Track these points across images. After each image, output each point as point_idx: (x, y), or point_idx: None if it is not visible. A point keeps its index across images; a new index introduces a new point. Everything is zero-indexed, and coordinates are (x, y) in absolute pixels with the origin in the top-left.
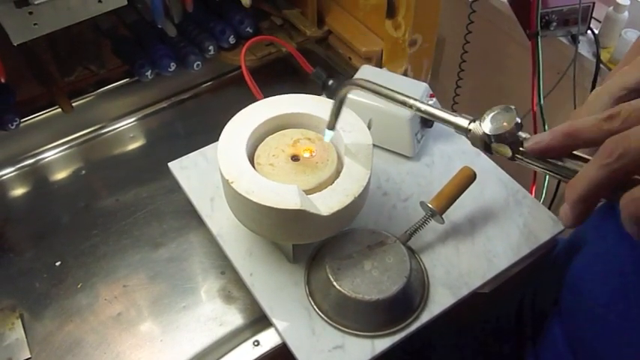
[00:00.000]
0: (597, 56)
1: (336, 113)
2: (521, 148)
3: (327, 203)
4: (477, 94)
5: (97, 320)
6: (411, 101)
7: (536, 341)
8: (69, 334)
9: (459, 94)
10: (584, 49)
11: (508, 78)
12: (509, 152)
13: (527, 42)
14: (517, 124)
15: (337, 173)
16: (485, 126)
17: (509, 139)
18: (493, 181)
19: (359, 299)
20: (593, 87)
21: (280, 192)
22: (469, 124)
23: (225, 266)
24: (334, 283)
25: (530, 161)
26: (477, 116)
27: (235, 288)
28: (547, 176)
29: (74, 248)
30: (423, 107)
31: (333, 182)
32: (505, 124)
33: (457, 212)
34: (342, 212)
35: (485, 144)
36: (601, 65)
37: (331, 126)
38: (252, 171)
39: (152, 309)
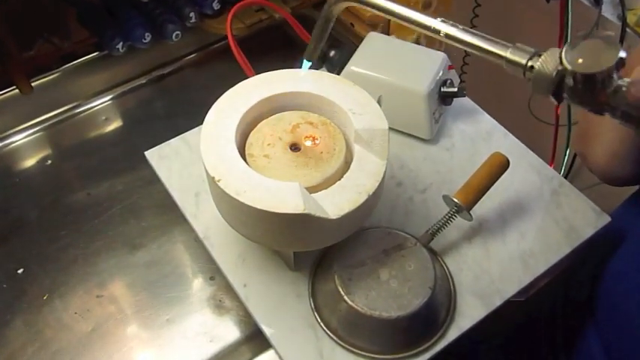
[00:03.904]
0: (623, 19)
1: (318, 37)
2: (612, 96)
3: (335, 203)
4: (487, 65)
5: (67, 338)
6: (436, 23)
7: (569, 353)
8: (34, 356)
9: (467, 63)
10: (608, 12)
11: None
12: (593, 101)
13: (544, 4)
14: (620, 59)
15: (346, 165)
16: (573, 60)
17: (605, 81)
18: (524, 167)
19: (375, 316)
20: None
21: (278, 192)
22: (530, 59)
23: (214, 270)
24: (345, 297)
25: (632, 112)
26: (539, 49)
27: (227, 296)
28: (568, 151)
29: (39, 252)
30: (455, 32)
31: (342, 177)
32: (601, 59)
33: (484, 205)
34: (354, 214)
35: (556, 87)
36: (627, 29)
37: (310, 54)
38: (244, 165)
39: (131, 323)
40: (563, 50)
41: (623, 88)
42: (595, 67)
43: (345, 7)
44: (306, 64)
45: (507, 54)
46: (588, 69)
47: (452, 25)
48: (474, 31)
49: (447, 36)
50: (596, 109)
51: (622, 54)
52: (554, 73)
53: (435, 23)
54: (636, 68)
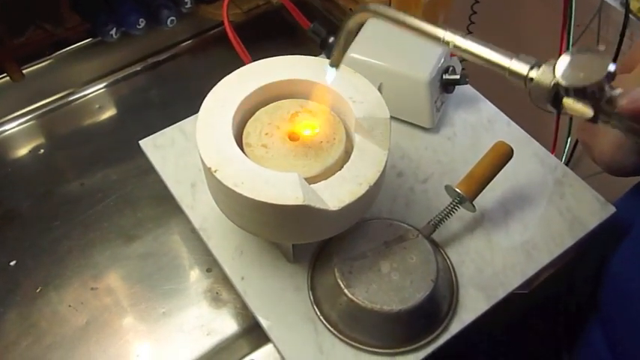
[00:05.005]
0: (626, 5)
1: (342, 47)
2: (605, 107)
3: (335, 195)
4: None
5: (61, 332)
6: (446, 34)
7: (572, 348)
8: (27, 350)
9: None
10: None
11: (524, 33)
12: (589, 112)
13: None
14: (609, 73)
15: (347, 155)
16: (562, 74)
17: (596, 94)
18: (527, 156)
19: (376, 310)
20: (621, 42)
21: (277, 182)
22: (530, 69)
23: (211, 262)
24: (345, 290)
25: (621, 125)
26: (540, 60)
27: (224, 288)
28: (569, 139)
29: (32, 244)
30: (463, 43)
31: (342, 167)
32: (591, 72)
33: (486, 195)
34: (354, 205)
35: (554, 99)
36: (630, 16)
37: (335, 62)
38: (241, 155)
39: (126, 316)
40: (557, 63)
41: (617, 100)
42: (584, 80)
43: (363, 18)
44: (331, 70)
45: (510, 64)
46: (578, 82)
47: (459, 37)
48: (478, 42)
49: (455, 46)
50: (594, 120)
51: (611, 67)
52: (551, 85)
53: (445, 34)
54: (623, 76)
